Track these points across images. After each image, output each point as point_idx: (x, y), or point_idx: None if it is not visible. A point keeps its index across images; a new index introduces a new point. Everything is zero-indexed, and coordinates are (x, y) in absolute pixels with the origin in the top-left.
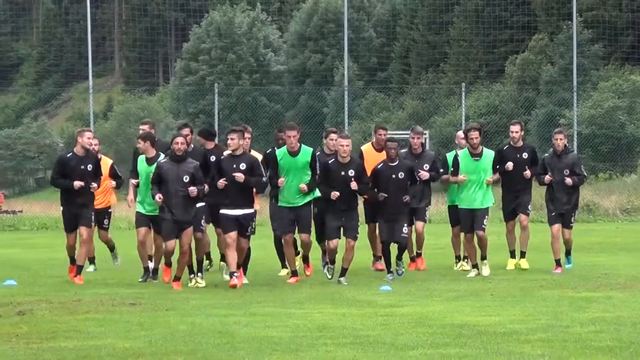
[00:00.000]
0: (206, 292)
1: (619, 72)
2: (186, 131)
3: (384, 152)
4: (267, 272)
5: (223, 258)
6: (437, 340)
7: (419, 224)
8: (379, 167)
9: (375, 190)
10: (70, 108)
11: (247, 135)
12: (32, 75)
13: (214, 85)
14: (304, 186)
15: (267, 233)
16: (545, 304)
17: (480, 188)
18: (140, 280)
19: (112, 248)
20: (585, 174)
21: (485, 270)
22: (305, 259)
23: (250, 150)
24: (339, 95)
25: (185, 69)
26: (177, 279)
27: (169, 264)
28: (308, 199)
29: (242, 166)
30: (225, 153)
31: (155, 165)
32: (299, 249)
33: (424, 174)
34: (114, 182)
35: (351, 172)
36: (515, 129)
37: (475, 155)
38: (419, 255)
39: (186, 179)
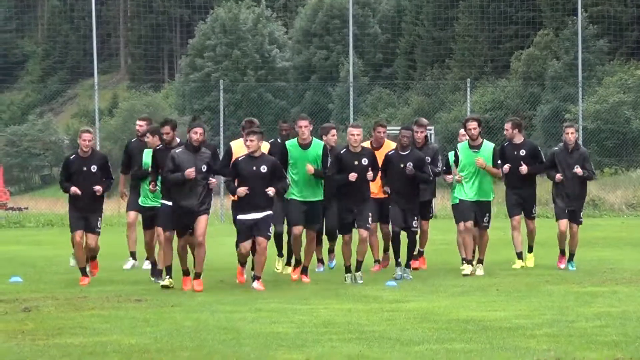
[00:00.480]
0: (211, 288)
1: (624, 67)
2: (166, 129)
3: (382, 150)
4: (272, 269)
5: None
6: (442, 335)
7: (423, 222)
8: (389, 154)
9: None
10: (76, 105)
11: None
12: (37, 72)
13: (219, 82)
14: (310, 167)
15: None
16: (551, 299)
17: (481, 180)
18: (152, 279)
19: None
20: (593, 171)
21: (480, 271)
22: (304, 269)
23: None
24: (344, 91)
25: (191, 65)
26: (197, 276)
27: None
28: (319, 195)
29: (263, 169)
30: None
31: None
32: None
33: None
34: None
35: (365, 161)
36: (506, 127)
37: (474, 147)
38: (420, 254)
39: (204, 168)
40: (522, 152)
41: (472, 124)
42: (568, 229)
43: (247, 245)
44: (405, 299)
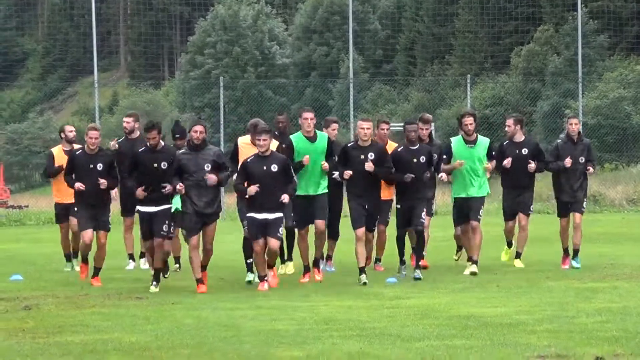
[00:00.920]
0: (212, 286)
1: (625, 62)
2: (153, 133)
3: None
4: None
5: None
6: (443, 331)
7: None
8: (399, 150)
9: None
10: (76, 103)
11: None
12: (37, 70)
13: (220, 79)
14: (326, 165)
15: None
16: (551, 295)
17: (475, 176)
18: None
19: (76, 253)
20: (595, 161)
21: (473, 268)
22: (316, 262)
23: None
24: (345, 88)
25: (191, 62)
26: (200, 281)
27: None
28: (323, 188)
29: (274, 167)
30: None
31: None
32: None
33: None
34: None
35: (371, 156)
36: (508, 123)
37: (470, 142)
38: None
39: (208, 167)
40: (525, 151)
41: (469, 119)
42: (571, 221)
43: (261, 242)
44: (405, 296)
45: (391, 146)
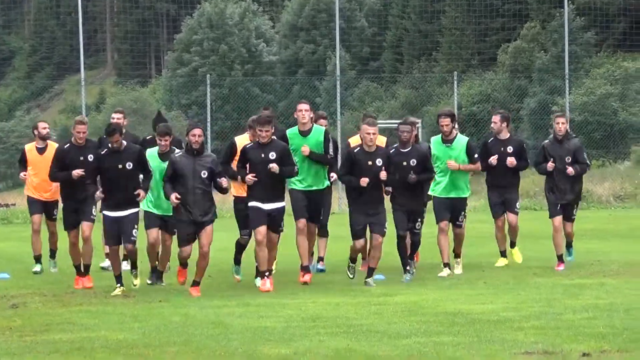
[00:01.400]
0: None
1: (611, 59)
2: (116, 137)
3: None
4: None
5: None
6: (430, 328)
7: None
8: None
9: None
10: (63, 101)
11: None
12: (24, 68)
13: (206, 77)
14: (306, 148)
15: None
16: (539, 292)
17: (455, 176)
18: (148, 282)
19: (53, 253)
20: (588, 162)
21: (458, 269)
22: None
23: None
24: (332, 85)
25: (178, 60)
26: (195, 284)
27: (184, 266)
28: (324, 185)
29: (272, 155)
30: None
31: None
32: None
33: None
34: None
35: (379, 162)
36: (495, 119)
37: (447, 141)
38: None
39: (204, 174)
40: (510, 149)
41: (445, 121)
42: (562, 226)
43: (263, 230)
44: (393, 293)
45: (380, 140)
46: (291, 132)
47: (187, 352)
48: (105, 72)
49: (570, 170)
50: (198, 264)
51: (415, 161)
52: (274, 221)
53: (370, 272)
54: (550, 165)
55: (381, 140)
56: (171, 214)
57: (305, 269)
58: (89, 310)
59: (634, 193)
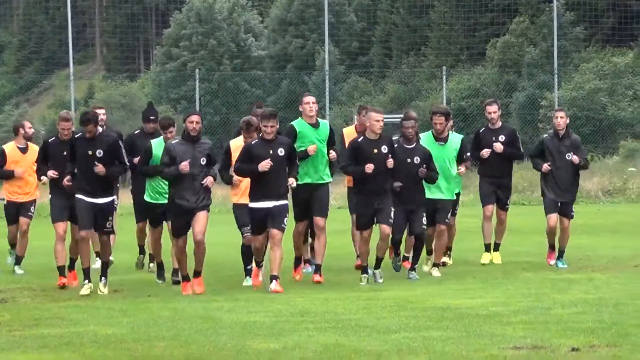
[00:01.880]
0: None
1: (600, 54)
2: (90, 127)
3: None
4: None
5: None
6: (419, 323)
7: None
8: (395, 146)
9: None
10: (52, 95)
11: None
12: (13, 63)
13: (195, 71)
14: (333, 154)
15: None
16: (527, 286)
17: (444, 176)
18: (174, 279)
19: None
20: (587, 159)
21: (436, 272)
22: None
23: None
24: (320, 80)
25: (166, 55)
26: (197, 274)
27: (188, 278)
28: (326, 178)
29: (281, 152)
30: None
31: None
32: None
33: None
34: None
35: (384, 149)
36: (492, 109)
37: (440, 139)
38: (406, 258)
39: (203, 161)
40: (502, 138)
41: (440, 119)
42: (558, 223)
43: (261, 238)
44: (381, 288)
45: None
46: (300, 124)
47: (176, 347)
48: (94, 66)
49: (575, 157)
50: (195, 254)
51: (419, 159)
52: (277, 219)
53: (378, 263)
54: (545, 167)
55: None
56: (164, 200)
57: (316, 269)
58: (78, 305)
59: (623, 188)
